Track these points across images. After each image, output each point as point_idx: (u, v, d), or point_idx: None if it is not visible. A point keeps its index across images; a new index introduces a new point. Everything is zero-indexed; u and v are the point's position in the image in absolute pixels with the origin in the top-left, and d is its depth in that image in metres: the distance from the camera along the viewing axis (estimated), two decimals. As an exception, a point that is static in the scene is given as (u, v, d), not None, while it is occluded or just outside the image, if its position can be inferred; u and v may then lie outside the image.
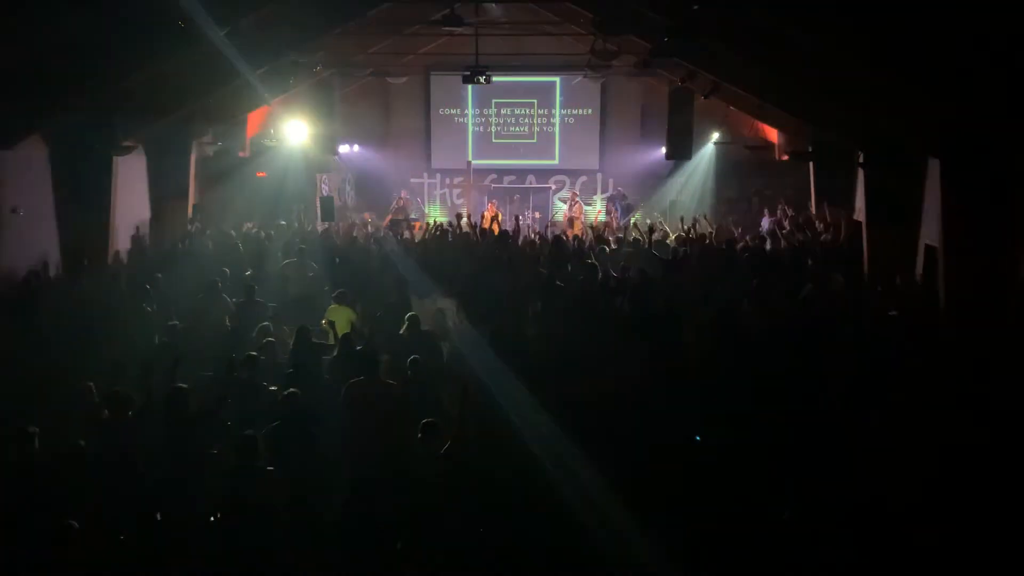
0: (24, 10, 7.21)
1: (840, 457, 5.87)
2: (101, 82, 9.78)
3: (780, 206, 15.09)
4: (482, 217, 15.67)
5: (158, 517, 5.78)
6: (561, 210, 18.65)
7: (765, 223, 14.90)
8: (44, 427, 5.93)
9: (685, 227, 13.53)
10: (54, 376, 7.28)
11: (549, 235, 13.27)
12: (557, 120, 19.79)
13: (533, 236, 13.48)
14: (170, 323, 8.60)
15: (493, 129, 19.89)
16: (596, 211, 18.21)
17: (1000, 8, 6.17)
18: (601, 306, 9.02)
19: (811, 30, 8.29)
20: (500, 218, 16.48)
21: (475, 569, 5.53)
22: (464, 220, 14.01)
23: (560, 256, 11.28)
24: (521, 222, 14.94)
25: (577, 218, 17.53)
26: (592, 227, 15.79)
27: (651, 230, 12.39)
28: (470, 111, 19.73)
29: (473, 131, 19.87)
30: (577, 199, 18.23)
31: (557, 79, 19.28)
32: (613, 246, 12.52)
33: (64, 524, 4.83)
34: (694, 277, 10.44)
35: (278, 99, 14.73)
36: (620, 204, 18.08)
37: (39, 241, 11.37)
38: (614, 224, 16.58)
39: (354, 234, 13.98)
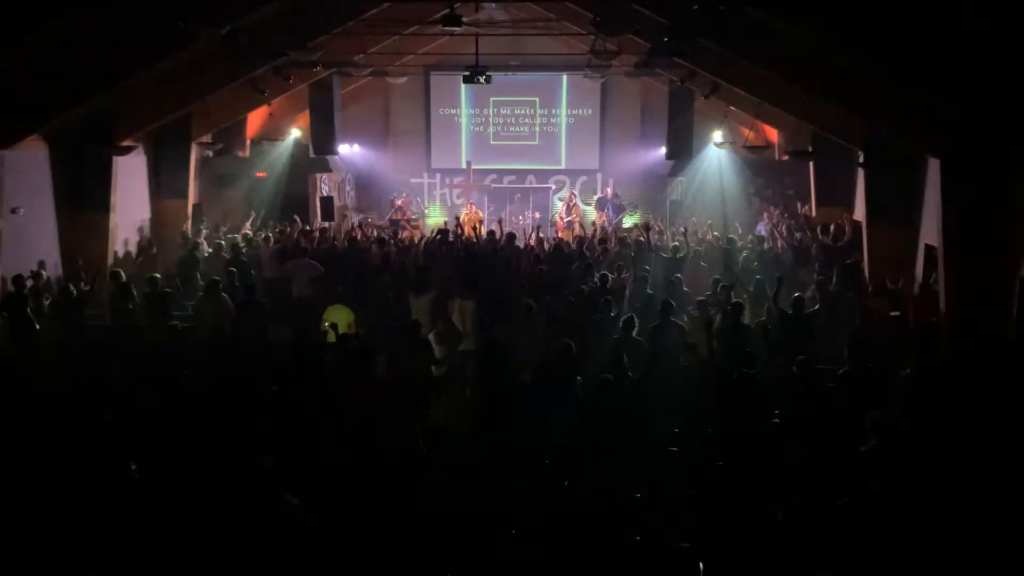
0: (24, 10, 7.20)
1: (838, 458, 5.86)
2: (101, 82, 9.78)
3: (778, 210, 15.06)
4: (460, 221, 15.39)
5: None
6: (558, 211, 18.60)
7: (761, 227, 14.84)
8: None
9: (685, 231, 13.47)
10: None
11: (547, 239, 13.26)
12: (558, 120, 19.79)
13: (531, 239, 13.43)
14: (170, 323, 8.60)
15: (493, 129, 19.90)
16: (601, 215, 18.06)
17: (1000, 8, 6.18)
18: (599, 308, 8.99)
19: (811, 30, 8.29)
20: (481, 220, 16.40)
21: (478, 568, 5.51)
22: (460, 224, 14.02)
23: (560, 259, 11.30)
24: (520, 224, 14.87)
25: (575, 221, 17.48)
26: (593, 226, 15.75)
27: (647, 228, 12.38)
28: (470, 111, 19.74)
29: (473, 131, 19.88)
30: (575, 201, 18.17)
31: (558, 79, 19.27)
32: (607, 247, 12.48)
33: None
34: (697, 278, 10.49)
35: (278, 99, 14.72)
36: (612, 205, 18.03)
37: (39, 241, 11.37)
38: (607, 226, 16.54)
39: (353, 235, 13.96)
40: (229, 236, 13.60)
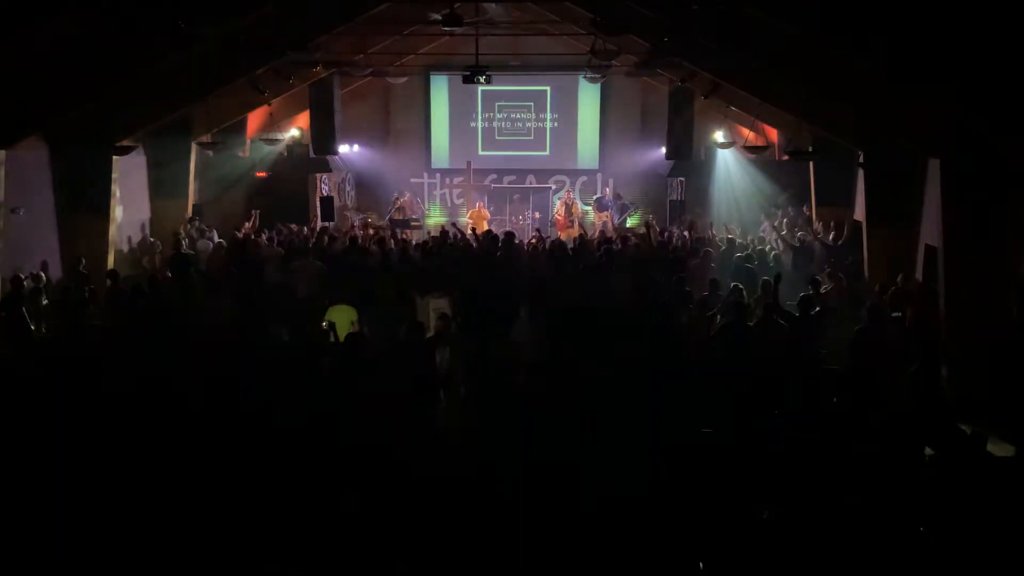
0: (24, 11, 7.20)
1: (830, 457, 5.86)
2: (101, 82, 9.78)
3: (782, 210, 15.06)
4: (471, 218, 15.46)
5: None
6: (556, 211, 18.56)
7: (764, 227, 14.83)
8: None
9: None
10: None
11: (547, 238, 13.25)
12: (558, 120, 19.77)
13: (531, 240, 13.43)
14: (171, 323, 8.60)
15: (491, 128, 19.87)
16: (601, 215, 18.00)
17: (1000, 8, 6.17)
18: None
19: (811, 30, 8.29)
20: (488, 219, 16.43)
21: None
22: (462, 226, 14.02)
23: (559, 259, 11.28)
24: (519, 224, 14.79)
25: (575, 219, 17.46)
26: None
27: (648, 227, 12.39)
28: (470, 111, 19.72)
29: (473, 131, 19.86)
30: (574, 201, 18.15)
31: (560, 79, 19.26)
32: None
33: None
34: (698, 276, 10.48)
35: (278, 99, 14.72)
36: (616, 205, 18.01)
37: (39, 241, 11.37)
38: (611, 225, 16.53)
39: (354, 234, 13.96)
40: (210, 236, 13.64)
